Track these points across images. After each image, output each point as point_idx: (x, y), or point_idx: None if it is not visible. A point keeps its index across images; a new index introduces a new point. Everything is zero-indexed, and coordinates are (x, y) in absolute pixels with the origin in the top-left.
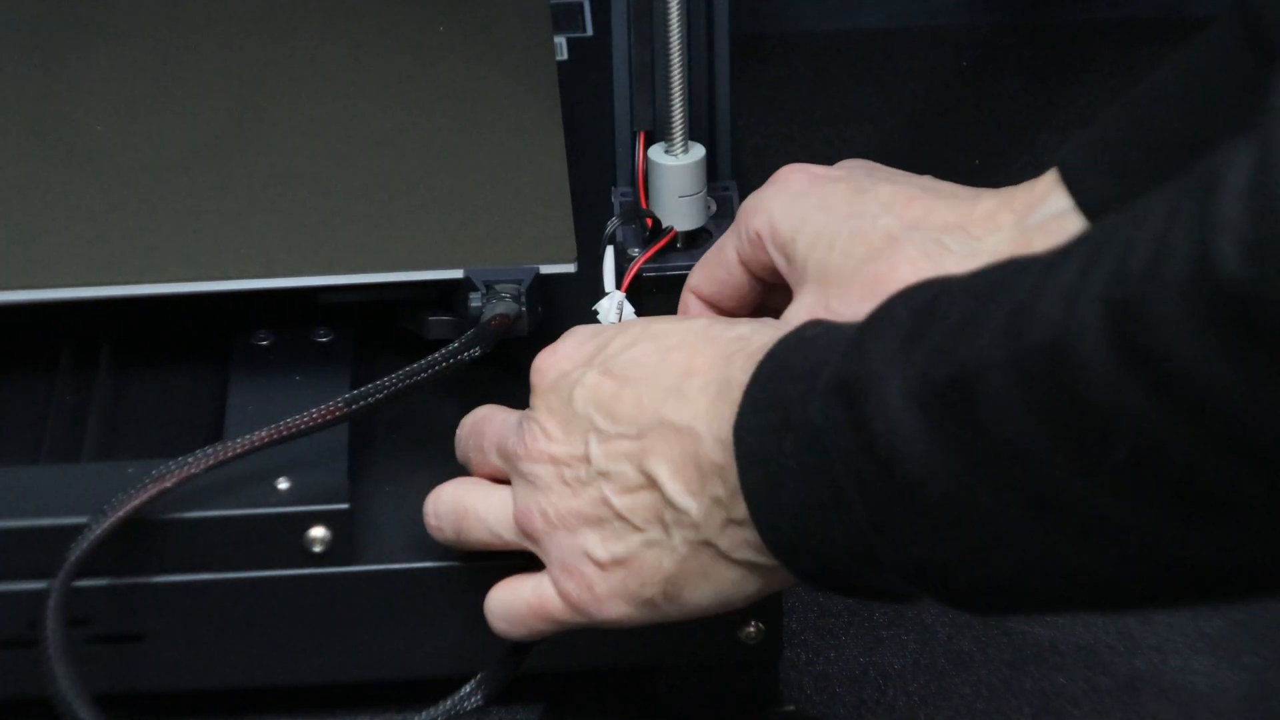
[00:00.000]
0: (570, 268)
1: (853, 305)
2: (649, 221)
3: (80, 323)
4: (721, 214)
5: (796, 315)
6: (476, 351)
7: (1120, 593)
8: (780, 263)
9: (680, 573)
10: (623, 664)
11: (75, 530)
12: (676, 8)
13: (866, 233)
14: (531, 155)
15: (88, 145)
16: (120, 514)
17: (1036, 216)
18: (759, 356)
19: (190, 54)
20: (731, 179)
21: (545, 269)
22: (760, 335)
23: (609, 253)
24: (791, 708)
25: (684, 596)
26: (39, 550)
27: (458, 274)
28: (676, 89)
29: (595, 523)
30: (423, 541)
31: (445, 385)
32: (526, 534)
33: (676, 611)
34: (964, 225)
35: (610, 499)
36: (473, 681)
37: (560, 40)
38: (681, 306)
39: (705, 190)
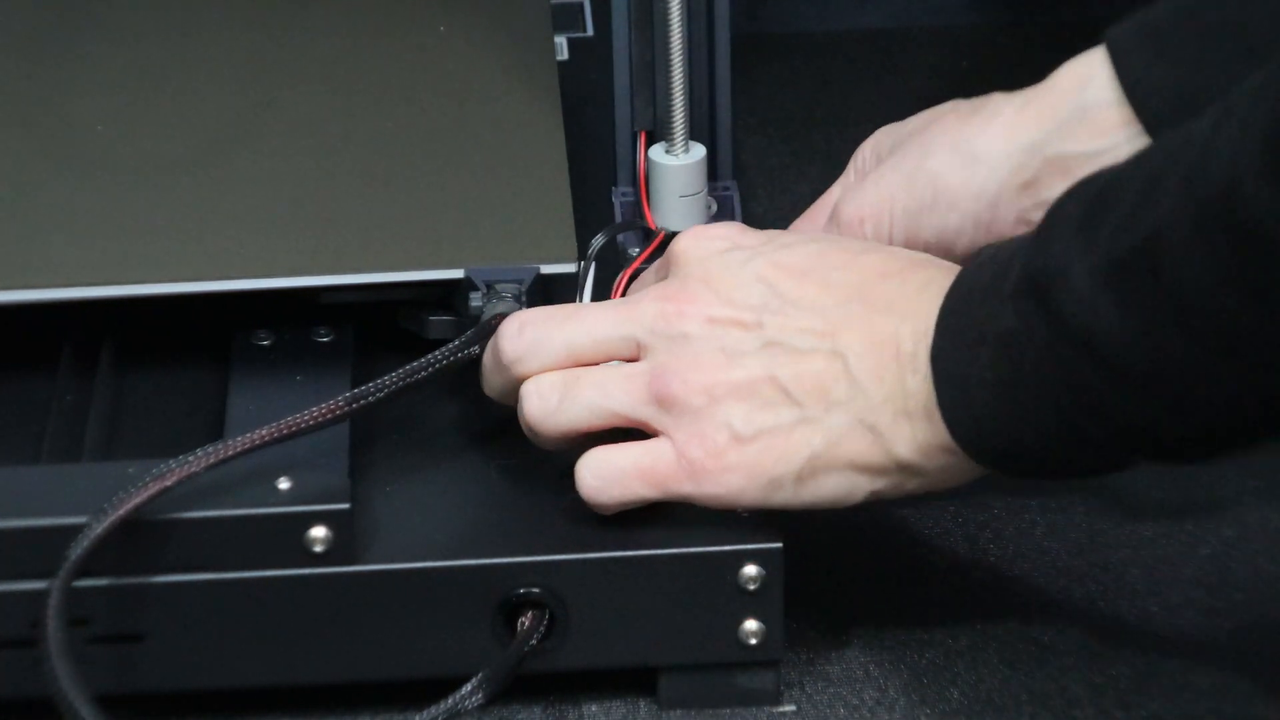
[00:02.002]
0: (571, 267)
1: (904, 158)
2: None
3: (80, 323)
4: (722, 214)
5: (850, 185)
6: (476, 350)
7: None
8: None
9: (826, 455)
10: (623, 664)
11: (76, 530)
12: (677, 8)
13: (928, 112)
14: (532, 155)
15: (88, 145)
16: (120, 513)
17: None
18: (950, 276)
19: (190, 54)
20: (731, 179)
21: (546, 269)
22: (939, 260)
23: (591, 269)
24: (792, 708)
25: (816, 481)
26: (39, 550)
27: (458, 273)
28: (677, 89)
29: (747, 394)
30: (423, 541)
31: (445, 384)
32: (659, 400)
33: (795, 498)
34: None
35: (775, 370)
36: (473, 681)
37: (561, 40)
38: None
39: (705, 190)
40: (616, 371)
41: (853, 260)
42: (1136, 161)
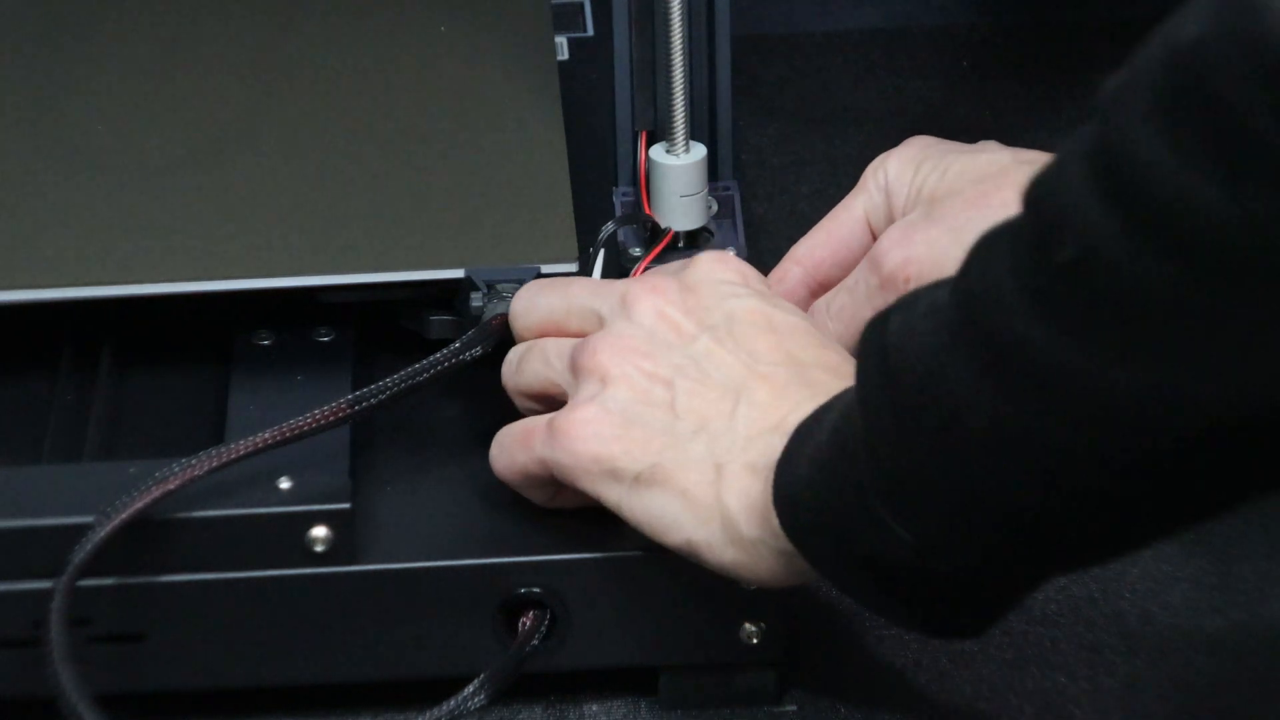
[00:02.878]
0: (571, 267)
1: (956, 214)
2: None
3: (81, 323)
4: (722, 214)
5: (894, 232)
6: (478, 351)
7: (1077, 489)
8: (899, 199)
9: (667, 470)
10: (623, 664)
11: (77, 530)
12: (677, 8)
13: (980, 163)
14: (532, 155)
15: (88, 144)
16: (124, 516)
17: None
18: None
19: (190, 54)
20: (732, 179)
21: (546, 269)
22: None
23: (599, 261)
24: (792, 708)
25: (648, 492)
26: (40, 550)
27: (459, 274)
28: (677, 89)
29: (642, 385)
30: (424, 541)
31: (446, 385)
32: (573, 368)
33: (624, 501)
34: None
35: (677, 380)
36: (476, 681)
37: (561, 40)
38: (778, 275)
39: (706, 190)
40: (563, 343)
41: (829, 358)
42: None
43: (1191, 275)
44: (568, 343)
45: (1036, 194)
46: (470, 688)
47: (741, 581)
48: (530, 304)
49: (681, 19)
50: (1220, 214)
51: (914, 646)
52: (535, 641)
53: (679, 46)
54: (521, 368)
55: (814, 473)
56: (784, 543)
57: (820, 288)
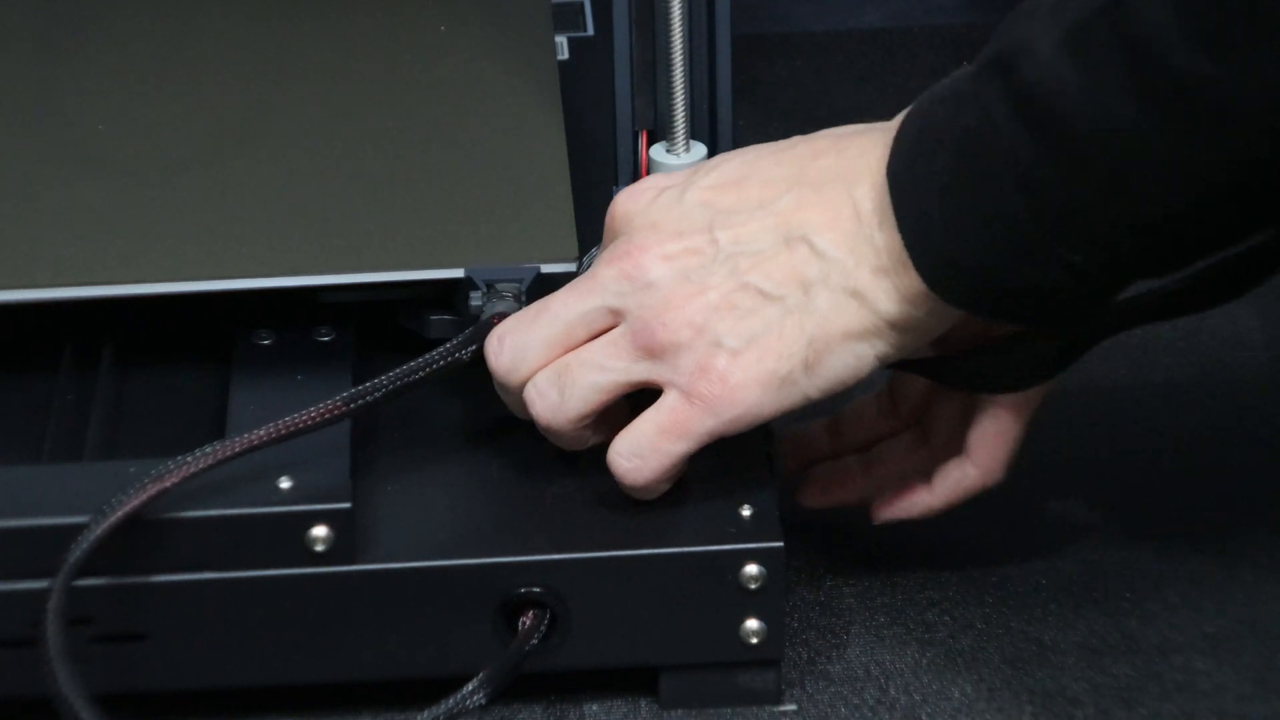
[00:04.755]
0: (571, 267)
1: None
2: None
3: (81, 322)
4: None
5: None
6: (474, 349)
7: (1228, 210)
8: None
9: (822, 332)
10: (623, 664)
11: (76, 530)
12: (677, 8)
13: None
14: (532, 155)
15: (89, 144)
16: (121, 514)
17: None
18: (888, 130)
19: (190, 53)
20: None
21: (546, 268)
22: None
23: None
24: (792, 707)
25: (824, 364)
26: (40, 550)
27: (459, 273)
28: (678, 88)
29: (724, 310)
30: (423, 541)
31: (445, 383)
32: (649, 351)
33: (813, 386)
34: None
35: (744, 275)
36: (475, 680)
37: (561, 40)
38: None
39: None
40: (600, 343)
41: (781, 156)
42: None
43: None
44: (606, 344)
45: None
46: (469, 687)
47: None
48: (520, 351)
49: (681, 19)
50: None
51: (914, 646)
52: (535, 641)
53: (679, 46)
54: (569, 394)
55: (952, 237)
56: (939, 303)
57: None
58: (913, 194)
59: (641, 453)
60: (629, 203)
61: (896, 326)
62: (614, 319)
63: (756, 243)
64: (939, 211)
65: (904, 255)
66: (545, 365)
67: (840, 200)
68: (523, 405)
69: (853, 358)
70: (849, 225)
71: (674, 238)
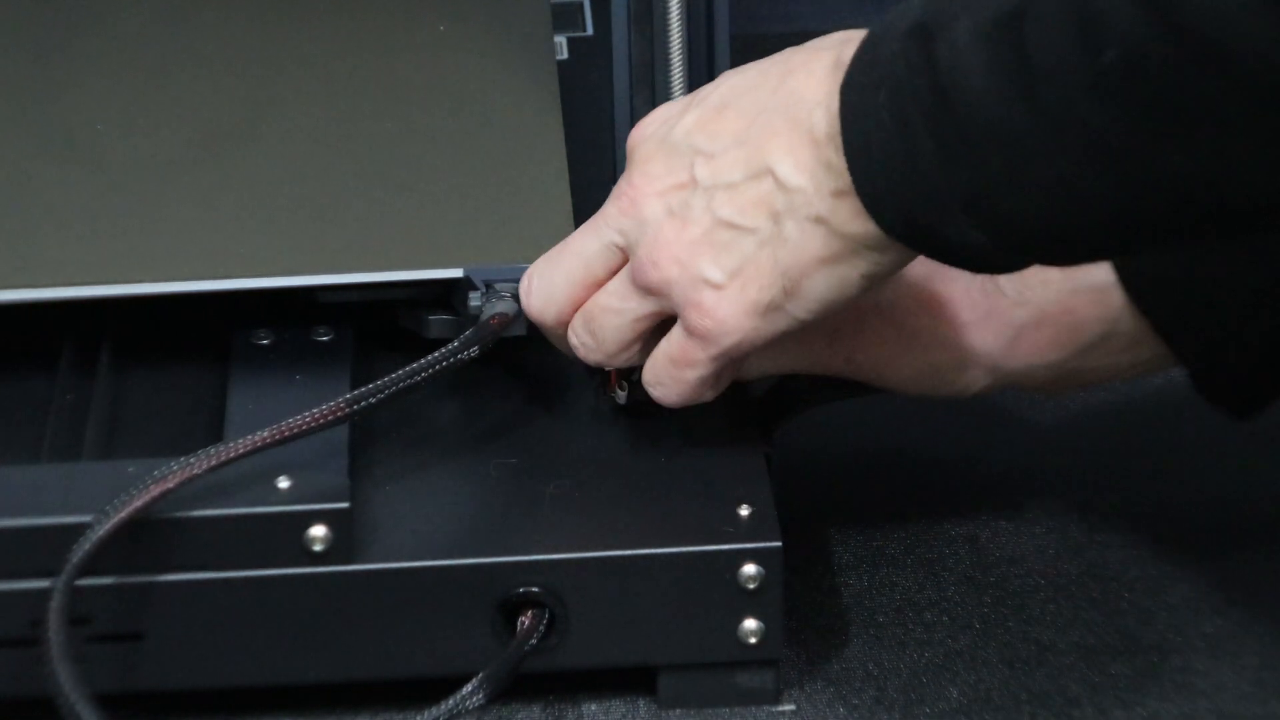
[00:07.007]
0: None
1: None
2: None
3: (80, 322)
4: None
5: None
6: (476, 351)
7: (1128, 223)
8: None
9: (796, 261)
10: (621, 663)
11: (75, 529)
12: (676, 8)
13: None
14: (531, 155)
15: (88, 144)
16: (123, 515)
17: None
18: (860, 36)
19: (190, 54)
20: None
21: None
22: (858, 32)
23: None
24: (790, 707)
25: (804, 289)
26: (39, 549)
27: (458, 273)
28: (677, 89)
29: (707, 244)
30: (422, 541)
31: (444, 384)
32: (650, 290)
33: (802, 310)
34: None
35: (718, 210)
36: (474, 681)
37: (560, 40)
38: None
39: None
40: (613, 285)
41: (762, 75)
42: None
43: (1235, 89)
44: (617, 284)
45: None
46: (469, 687)
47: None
48: (549, 290)
49: (681, 19)
50: (1262, 33)
51: (913, 646)
52: (534, 641)
53: (678, 46)
54: (601, 335)
55: (887, 179)
56: None
57: None
58: (857, 124)
59: (662, 380)
60: (636, 135)
61: (871, 245)
62: (624, 254)
63: (729, 175)
64: (877, 146)
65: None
66: (571, 302)
67: (800, 125)
68: (564, 343)
69: (835, 280)
70: (807, 151)
71: (665, 173)
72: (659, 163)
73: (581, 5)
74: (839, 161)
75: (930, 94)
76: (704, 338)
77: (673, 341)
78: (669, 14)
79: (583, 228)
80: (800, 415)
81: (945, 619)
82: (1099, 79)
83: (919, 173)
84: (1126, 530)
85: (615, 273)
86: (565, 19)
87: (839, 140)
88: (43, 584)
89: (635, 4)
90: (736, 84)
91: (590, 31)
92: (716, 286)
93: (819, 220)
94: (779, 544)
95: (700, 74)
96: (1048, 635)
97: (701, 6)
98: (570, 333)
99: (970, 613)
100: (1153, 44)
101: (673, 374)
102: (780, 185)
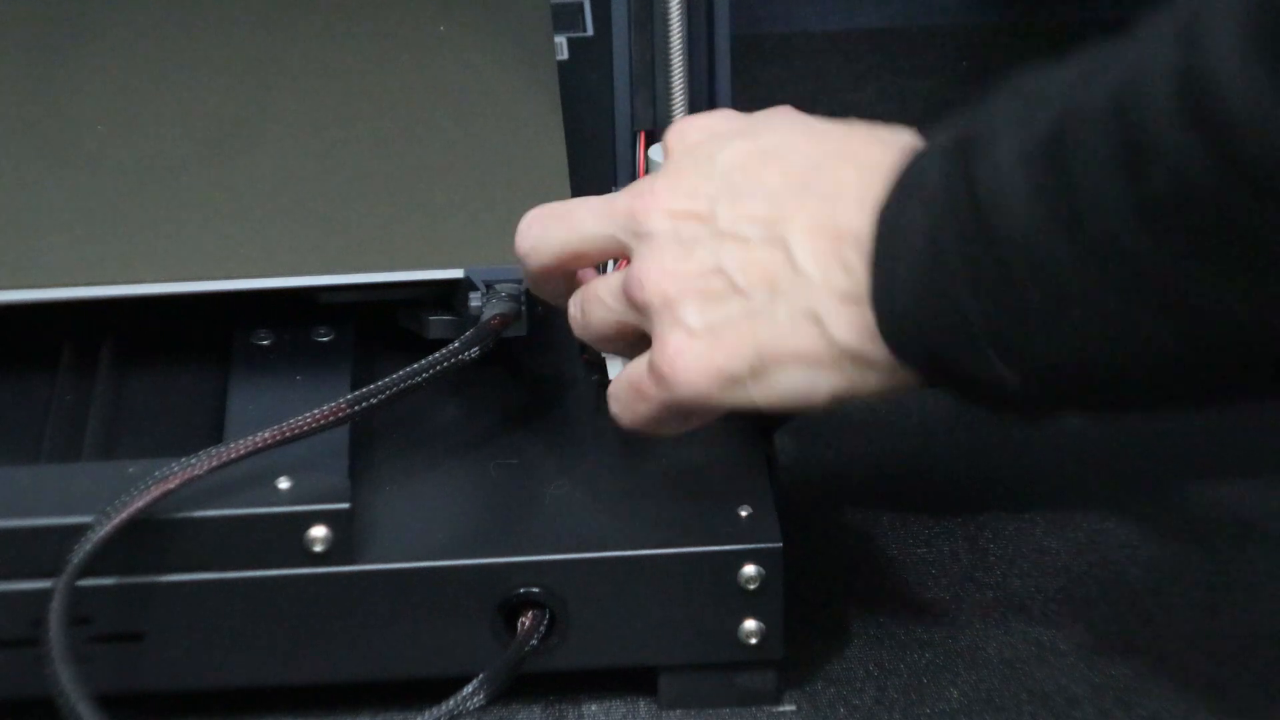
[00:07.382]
0: None
1: None
2: None
3: (80, 322)
4: None
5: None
6: (476, 352)
7: (1178, 370)
8: None
9: (774, 346)
10: (622, 664)
11: (75, 530)
12: (677, 7)
13: None
14: (531, 155)
15: (88, 145)
16: (123, 516)
17: None
18: (912, 145)
19: (190, 54)
20: None
21: None
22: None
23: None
24: (791, 708)
25: (772, 376)
26: (38, 550)
27: (458, 273)
28: (677, 89)
29: (700, 288)
30: (423, 541)
31: (445, 384)
32: (634, 305)
33: (760, 395)
34: None
35: (722, 259)
36: (475, 681)
37: (560, 40)
38: None
39: None
40: (611, 280)
41: (819, 142)
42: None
43: None
44: (615, 280)
45: (1119, 104)
46: (469, 688)
47: (900, 394)
48: (541, 241)
49: (681, 19)
50: None
51: (913, 646)
52: (534, 641)
53: (679, 46)
54: (588, 319)
55: (912, 302)
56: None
57: None
58: (888, 235)
59: (618, 399)
60: (682, 136)
61: (854, 361)
62: (619, 247)
63: (746, 230)
64: (905, 266)
65: (869, 289)
66: (556, 263)
67: (826, 214)
68: (538, 285)
69: (805, 382)
70: (828, 243)
71: (685, 196)
72: (688, 181)
73: (581, 5)
74: (859, 266)
75: (969, 213)
76: (662, 380)
77: (637, 367)
78: (669, 14)
79: (595, 203)
80: (800, 415)
81: (945, 619)
82: (1145, 207)
83: (947, 297)
84: (1126, 531)
85: (605, 256)
86: (565, 19)
87: (866, 247)
88: (43, 584)
89: (635, 4)
90: (796, 140)
91: (590, 31)
92: (690, 334)
93: (814, 317)
94: (779, 544)
95: (700, 74)
96: (1048, 635)
97: (701, 6)
98: (571, 303)
99: (970, 612)
100: (1204, 173)
101: (628, 398)
102: (790, 263)
